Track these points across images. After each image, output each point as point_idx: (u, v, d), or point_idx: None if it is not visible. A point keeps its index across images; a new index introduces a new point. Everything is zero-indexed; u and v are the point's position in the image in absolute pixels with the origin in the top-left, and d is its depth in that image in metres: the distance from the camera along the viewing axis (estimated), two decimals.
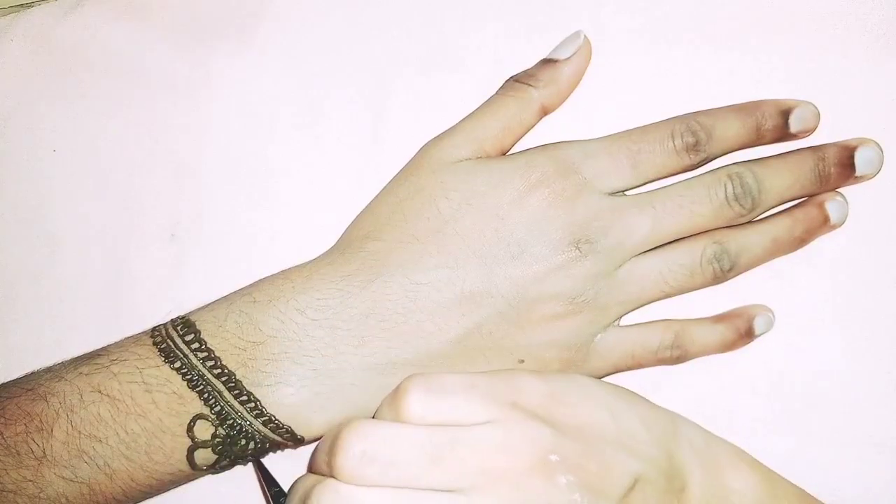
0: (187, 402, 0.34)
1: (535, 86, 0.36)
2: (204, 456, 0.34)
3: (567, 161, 0.35)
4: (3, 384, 0.36)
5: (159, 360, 0.34)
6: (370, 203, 0.37)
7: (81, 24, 0.41)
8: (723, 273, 0.35)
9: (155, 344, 0.35)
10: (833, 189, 0.36)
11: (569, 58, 0.36)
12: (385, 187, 0.37)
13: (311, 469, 0.30)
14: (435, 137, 0.37)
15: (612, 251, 0.34)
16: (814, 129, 0.36)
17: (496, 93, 0.37)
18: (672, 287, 0.35)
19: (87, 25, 0.41)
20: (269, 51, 0.40)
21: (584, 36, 0.36)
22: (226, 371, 0.34)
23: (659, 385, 0.37)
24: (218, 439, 0.34)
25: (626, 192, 0.36)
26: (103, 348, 0.36)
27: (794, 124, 0.36)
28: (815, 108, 0.36)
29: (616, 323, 0.36)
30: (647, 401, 0.31)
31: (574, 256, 0.34)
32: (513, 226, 0.34)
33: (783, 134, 0.36)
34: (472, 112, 0.37)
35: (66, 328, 0.40)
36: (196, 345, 0.34)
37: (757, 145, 0.36)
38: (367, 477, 0.27)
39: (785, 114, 0.36)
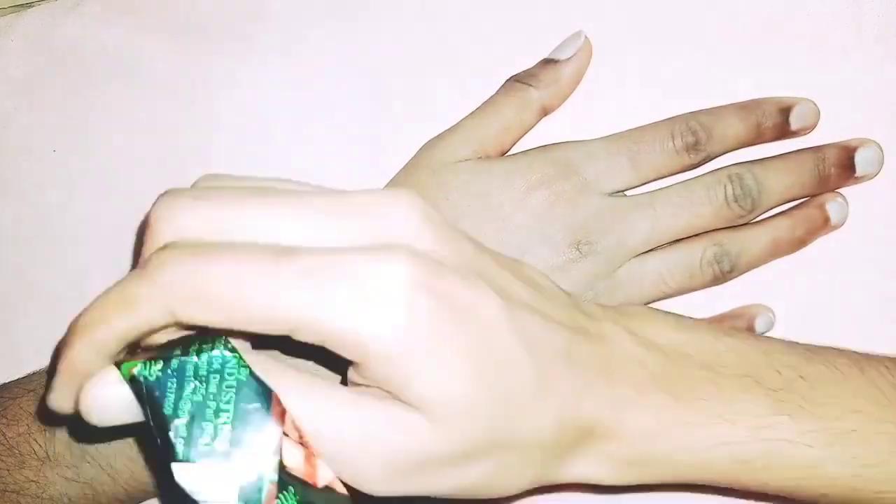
0: None
1: (535, 86, 0.36)
2: None
3: (567, 162, 0.35)
4: (4, 385, 0.36)
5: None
6: None
7: (81, 24, 0.41)
8: (722, 274, 0.35)
9: None
10: (833, 189, 0.36)
11: (569, 58, 0.36)
12: (385, 188, 0.37)
13: None
14: (435, 137, 0.37)
15: (611, 252, 0.34)
16: (814, 126, 0.36)
17: (496, 93, 0.37)
18: (671, 288, 0.35)
19: (87, 25, 0.41)
20: (269, 50, 0.40)
21: (585, 36, 0.36)
22: None
23: None
24: None
25: (626, 193, 0.36)
26: None
27: (795, 122, 0.36)
28: (815, 105, 0.36)
29: None
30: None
31: (573, 258, 0.34)
32: (513, 228, 0.34)
33: (784, 132, 0.36)
34: (472, 112, 0.37)
35: (66, 328, 0.40)
36: None
37: (757, 144, 0.36)
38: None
39: (785, 111, 0.36)
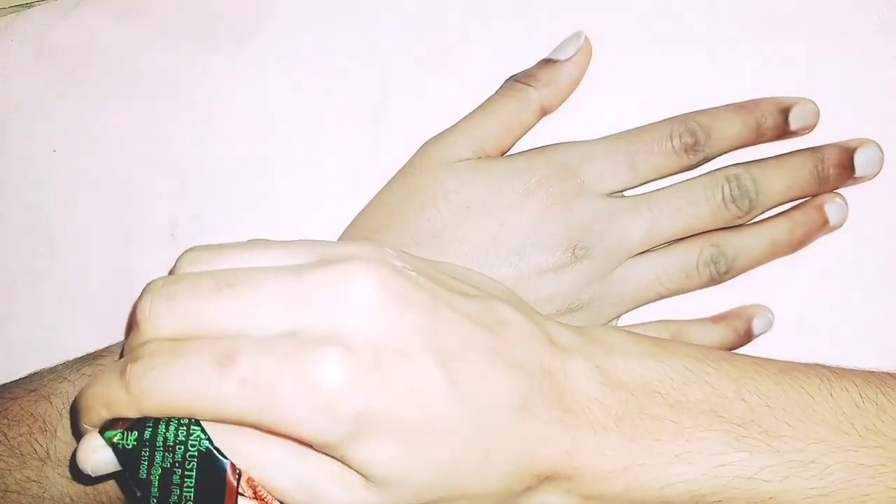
0: None
1: (534, 86, 0.36)
2: None
3: (565, 163, 0.35)
4: (5, 385, 0.36)
5: None
6: (370, 203, 0.37)
7: (81, 24, 0.41)
8: (719, 275, 0.35)
9: None
10: (832, 190, 0.36)
11: (569, 58, 0.36)
12: (384, 187, 0.37)
13: None
14: (434, 137, 0.37)
15: (608, 254, 0.35)
16: (814, 126, 0.36)
17: (496, 93, 0.37)
18: (668, 289, 0.35)
19: (87, 25, 0.41)
20: (269, 51, 0.40)
21: (585, 37, 0.36)
22: None
23: None
24: None
25: (624, 193, 0.36)
26: (105, 348, 0.36)
27: (795, 122, 0.36)
28: (815, 104, 0.36)
29: (613, 323, 0.36)
30: None
31: (570, 260, 0.34)
32: (511, 230, 0.34)
33: (783, 132, 0.36)
34: (472, 112, 0.37)
35: (66, 328, 0.40)
36: None
37: (757, 144, 0.36)
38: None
39: (785, 111, 0.36)
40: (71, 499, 0.34)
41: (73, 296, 0.40)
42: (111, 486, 0.34)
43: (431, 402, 0.24)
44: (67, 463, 0.33)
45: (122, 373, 0.24)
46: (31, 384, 0.35)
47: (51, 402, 0.34)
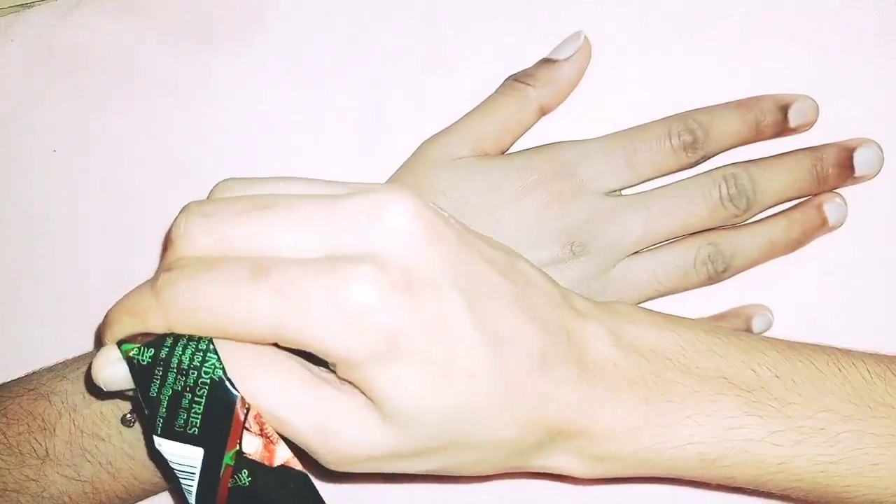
0: None
1: (533, 85, 0.36)
2: None
3: (564, 162, 0.35)
4: (4, 384, 0.36)
5: None
6: None
7: (81, 24, 0.41)
8: (717, 274, 0.35)
9: None
10: (832, 189, 0.36)
11: (568, 58, 0.36)
12: (384, 184, 0.37)
13: None
14: (434, 135, 0.37)
15: (605, 251, 0.35)
16: (813, 123, 0.36)
17: (495, 92, 0.37)
18: (665, 287, 0.35)
19: (87, 26, 0.41)
20: (268, 51, 0.40)
21: (585, 36, 0.36)
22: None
23: None
24: None
25: (623, 191, 0.36)
26: None
27: (794, 119, 0.36)
28: (814, 101, 0.36)
29: None
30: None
31: (567, 256, 0.34)
32: (509, 227, 0.34)
33: (783, 129, 0.36)
34: (471, 111, 0.37)
35: (66, 328, 0.40)
36: None
37: (756, 141, 0.36)
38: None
39: (784, 108, 0.36)
40: (70, 497, 0.34)
41: (73, 296, 0.40)
42: (110, 484, 0.34)
43: (457, 337, 0.24)
44: (66, 461, 0.34)
45: (153, 282, 0.24)
46: (29, 383, 0.35)
47: (50, 401, 0.34)
